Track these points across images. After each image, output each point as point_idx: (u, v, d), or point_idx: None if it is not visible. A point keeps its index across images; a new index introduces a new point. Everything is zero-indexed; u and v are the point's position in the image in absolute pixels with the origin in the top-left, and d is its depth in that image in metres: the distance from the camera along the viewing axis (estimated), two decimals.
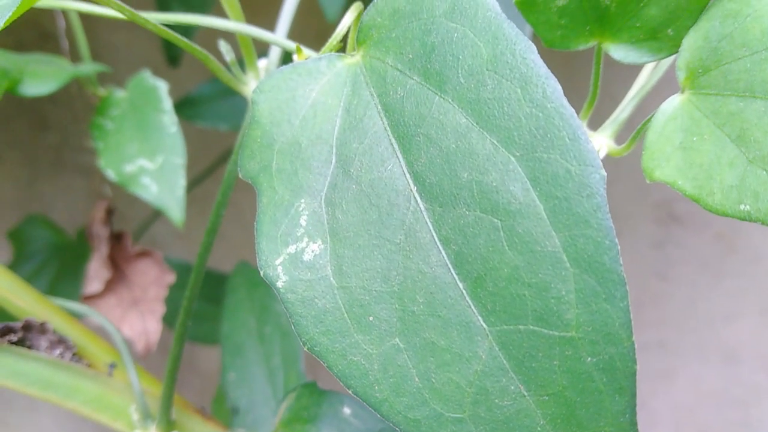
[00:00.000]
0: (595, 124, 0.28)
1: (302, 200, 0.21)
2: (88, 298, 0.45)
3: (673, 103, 0.22)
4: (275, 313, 0.45)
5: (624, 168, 0.97)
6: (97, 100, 0.43)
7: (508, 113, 0.19)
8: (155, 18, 0.28)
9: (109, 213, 0.46)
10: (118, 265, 0.47)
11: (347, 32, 0.24)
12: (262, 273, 0.21)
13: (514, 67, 0.19)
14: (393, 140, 0.21)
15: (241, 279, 0.48)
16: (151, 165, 0.38)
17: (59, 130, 0.97)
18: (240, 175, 0.23)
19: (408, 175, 0.20)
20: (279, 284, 0.20)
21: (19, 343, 0.30)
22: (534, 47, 0.19)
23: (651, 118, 0.23)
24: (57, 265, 0.71)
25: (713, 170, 0.20)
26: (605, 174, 0.17)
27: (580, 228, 0.17)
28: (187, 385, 0.90)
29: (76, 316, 0.36)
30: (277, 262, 0.20)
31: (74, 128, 0.98)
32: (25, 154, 1.03)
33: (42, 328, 0.31)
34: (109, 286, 0.46)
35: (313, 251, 0.20)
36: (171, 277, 0.46)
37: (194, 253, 0.47)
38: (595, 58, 0.24)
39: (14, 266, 0.70)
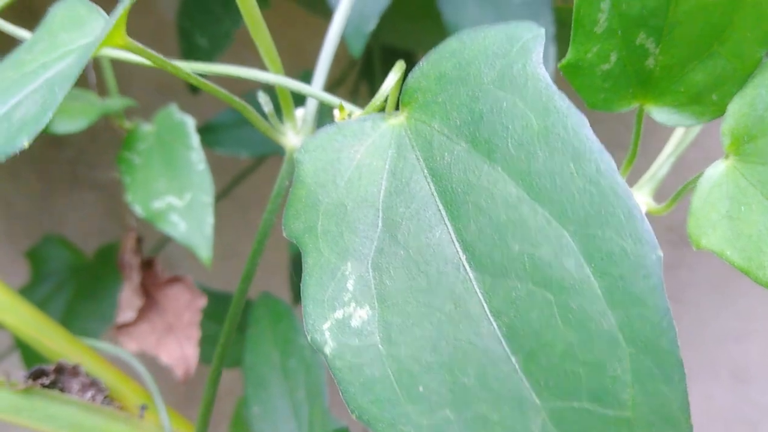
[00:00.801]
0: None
1: (349, 264, 0.21)
2: (122, 327, 0.46)
3: (718, 169, 0.22)
4: (299, 346, 0.45)
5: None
6: (124, 132, 0.43)
7: (560, 187, 0.19)
8: (190, 67, 0.28)
9: (139, 242, 0.47)
10: (149, 292, 0.47)
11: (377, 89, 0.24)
12: (309, 338, 0.21)
13: (567, 141, 0.19)
14: (441, 206, 0.21)
15: (264, 310, 0.48)
16: (180, 202, 0.38)
17: (74, 146, 0.98)
18: (284, 234, 0.23)
19: (457, 243, 0.20)
20: (326, 350, 0.20)
21: (52, 385, 0.30)
22: (586, 121, 0.19)
23: (693, 181, 0.23)
24: (74, 286, 0.71)
25: (762, 242, 0.20)
26: (662, 255, 0.17)
27: (637, 308, 0.17)
28: (197, 403, 0.90)
29: (109, 344, 0.36)
30: (325, 327, 0.21)
31: (89, 145, 0.98)
32: (41, 169, 1.04)
33: (74, 371, 0.31)
34: (142, 314, 0.46)
35: (360, 317, 0.20)
36: (203, 301, 0.47)
37: (206, 272, 0.47)
38: (636, 119, 0.24)
39: (31, 286, 0.70)
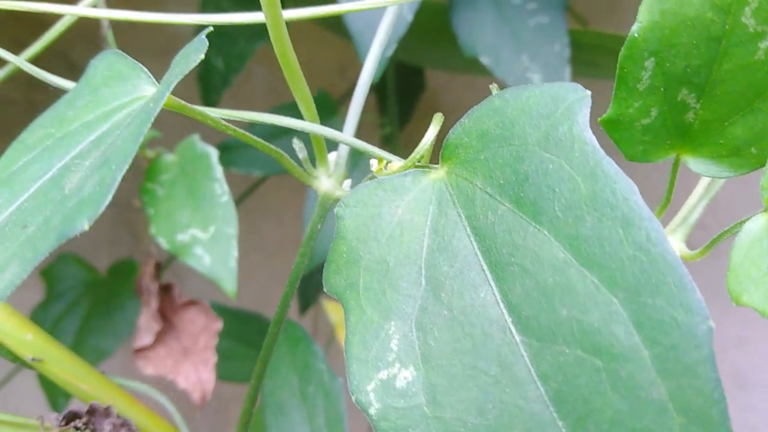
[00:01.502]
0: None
1: (392, 323, 0.21)
2: (139, 351, 0.46)
3: (758, 223, 0.22)
4: (318, 372, 0.45)
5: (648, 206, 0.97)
6: (146, 162, 0.43)
7: (609, 253, 0.19)
8: (219, 113, 0.28)
9: (158, 268, 0.47)
10: (166, 316, 0.47)
11: (379, 131, 0.24)
12: (353, 398, 0.21)
13: (615, 207, 0.19)
14: (485, 267, 0.21)
15: (281, 335, 0.48)
16: (204, 235, 0.38)
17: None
18: (325, 289, 0.23)
19: (502, 305, 0.20)
20: (371, 411, 0.20)
21: (85, 427, 0.30)
22: (635, 187, 0.19)
23: (730, 230, 0.23)
24: (88, 303, 0.71)
25: None
26: (713, 325, 0.18)
27: (688, 378, 0.17)
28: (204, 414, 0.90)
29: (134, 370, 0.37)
30: (369, 387, 0.21)
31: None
32: None
33: (106, 412, 0.31)
34: (159, 337, 0.46)
35: (405, 378, 0.21)
36: (218, 325, 0.47)
37: (214, 287, 0.47)
38: (672, 168, 0.24)
39: (46, 304, 0.70)
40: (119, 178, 0.17)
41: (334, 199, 0.28)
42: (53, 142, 0.23)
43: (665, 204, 0.25)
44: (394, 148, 0.67)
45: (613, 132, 0.23)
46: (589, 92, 0.20)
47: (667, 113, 0.22)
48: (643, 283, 0.18)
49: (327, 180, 0.28)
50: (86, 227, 0.17)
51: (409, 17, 0.46)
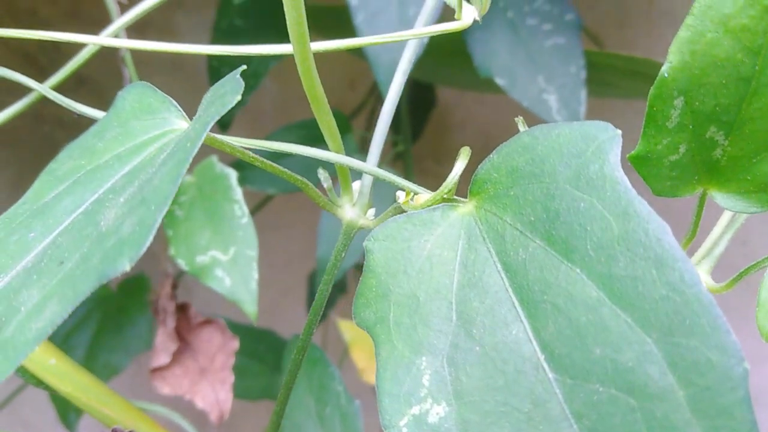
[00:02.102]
0: None
1: (423, 358, 0.21)
2: (156, 371, 0.46)
3: None
4: (335, 393, 0.45)
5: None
6: None
7: (642, 293, 0.19)
8: (246, 143, 0.28)
9: (174, 287, 0.47)
10: (182, 335, 0.47)
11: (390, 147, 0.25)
12: None
13: (648, 247, 0.19)
14: (516, 303, 0.21)
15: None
16: (224, 257, 0.38)
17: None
18: (354, 322, 0.23)
19: (534, 342, 0.20)
20: None
21: None
22: (668, 228, 0.19)
23: (758, 264, 0.23)
24: (99, 319, 0.71)
25: None
26: (749, 367, 0.18)
27: (724, 419, 0.18)
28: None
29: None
30: (402, 423, 0.21)
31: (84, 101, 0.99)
32: None
33: None
34: (176, 357, 0.46)
35: (437, 414, 0.21)
36: (235, 344, 0.47)
37: (225, 302, 0.47)
38: (698, 202, 0.24)
39: None
40: (159, 219, 0.17)
41: (358, 227, 0.29)
42: (84, 175, 0.23)
43: (691, 237, 0.25)
44: (407, 165, 0.68)
45: (642, 168, 0.23)
46: (619, 131, 0.21)
47: (695, 150, 0.22)
48: (677, 324, 0.18)
49: (351, 209, 0.29)
50: (127, 268, 0.17)
51: (425, 39, 0.46)
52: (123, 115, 0.25)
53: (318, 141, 0.61)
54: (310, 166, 0.62)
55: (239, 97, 0.19)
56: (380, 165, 0.60)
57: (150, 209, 0.18)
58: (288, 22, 0.23)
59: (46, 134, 0.97)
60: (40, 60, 0.95)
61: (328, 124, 0.26)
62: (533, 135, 0.22)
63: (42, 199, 0.23)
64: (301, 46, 0.23)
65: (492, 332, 0.21)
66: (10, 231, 0.23)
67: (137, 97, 0.25)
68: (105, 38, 0.28)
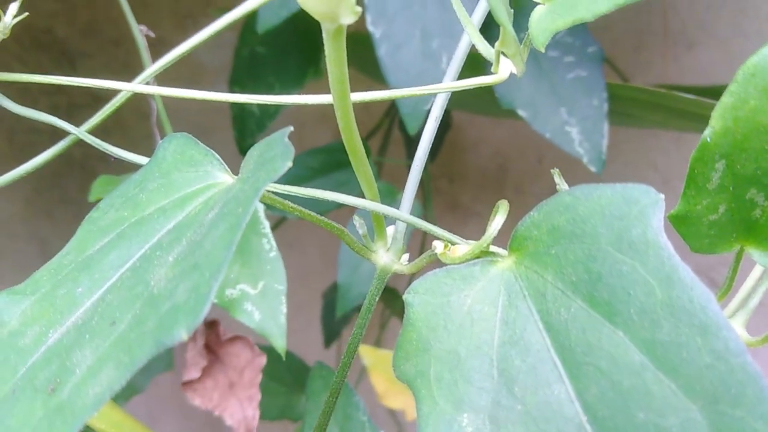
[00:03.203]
0: None
1: (465, 415, 0.22)
2: (187, 384, 0.47)
3: None
4: (359, 423, 0.45)
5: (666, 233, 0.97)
6: None
7: (687, 360, 0.19)
8: (287, 189, 0.29)
9: None
10: (212, 350, 0.48)
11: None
12: None
13: (693, 315, 0.19)
14: (558, 363, 0.21)
15: (320, 383, 0.48)
16: (253, 290, 0.39)
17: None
18: (394, 375, 0.23)
19: (577, 403, 0.21)
20: None
21: None
22: (712, 295, 0.19)
23: None
24: None
25: None
26: None
27: None
28: None
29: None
30: None
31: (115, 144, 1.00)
32: (76, 210, 1.05)
33: None
34: (206, 371, 0.47)
35: None
36: (262, 360, 0.48)
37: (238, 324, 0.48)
38: (735, 258, 0.25)
39: None
40: (215, 288, 0.18)
41: (392, 272, 0.29)
42: (128, 228, 0.24)
43: (726, 291, 0.26)
44: (426, 190, 0.68)
45: (681, 226, 0.23)
46: (662, 196, 0.21)
47: (735, 210, 0.23)
48: (722, 393, 0.19)
49: (385, 254, 0.29)
50: (184, 337, 0.17)
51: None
52: (164, 166, 0.25)
53: (340, 166, 0.62)
54: (330, 189, 0.62)
55: (290, 164, 0.19)
56: (400, 192, 0.60)
57: (204, 276, 0.18)
58: (330, 79, 0.23)
59: (63, 151, 0.98)
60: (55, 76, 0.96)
61: (365, 174, 0.27)
62: (574, 195, 0.22)
63: (86, 252, 0.24)
64: (342, 102, 0.23)
65: (534, 391, 0.21)
66: (56, 283, 0.23)
67: (179, 148, 0.25)
68: (138, 85, 0.29)
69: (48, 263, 0.25)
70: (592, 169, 0.48)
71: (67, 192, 1.02)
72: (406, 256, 0.29)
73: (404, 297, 0.24)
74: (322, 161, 0.60)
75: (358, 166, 0.27)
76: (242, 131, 0.60)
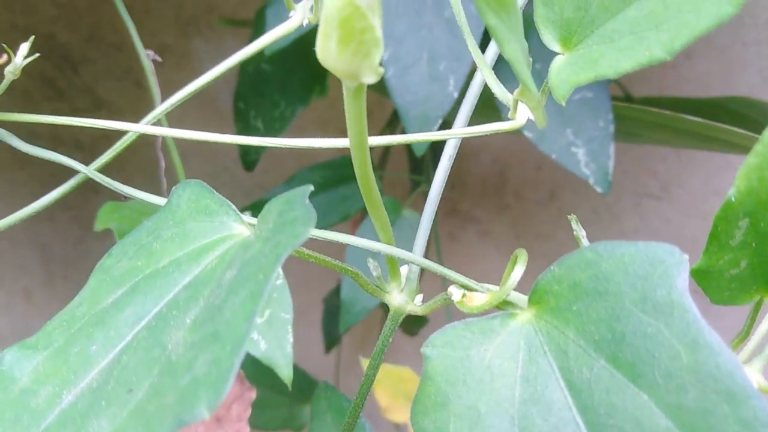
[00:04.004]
0: None
1: None
2: None
3: None
4: None
5: (665, 239, 0.97)
6: None
7: (714, 427, 0.19)
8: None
9: None
10: None
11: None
12: None
13: (720, 381, 0.19)
14: (581, 424, 0.21)
15: (324, 404, 0.48)
16: (259, 319, 0.38)
17: (109, 193, 0.98)
18: (412, 430, 0.23)
19: None
20: None
21: None
22: (738, 361, 0.19)
23: None
24: None
25: None
26: None
27: None
28: None
29: None
30: None
31: (123, 176, 0.99)
32: (76, 214, 1.04)
33: None
34: None
35: None
36: (252, 394, 0.47)
37: None
38: (754, 307, 0.24)
39: None
40: (237, 364, 0.17)
41: (406, 313, 0.29)
42: (143, 280, 0.23)
43: (743, 338, 0.25)
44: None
45: (702, 280, 0.23)
46: (686, 256, 0.21)
47: (757, 264, 0.22)
48: None
49: (399, 295, 0.29)
50: (206, 416, 0.17)
51: (455, 94, 0.46)
52: (179, 214, 0.25)
53: (344, 181, 0.61)
54: (334, 203, 0.62)
55: (312, 228, 0.19)
56: (404, 206, 0.59)
57: (225, 349, 0.18)
58: (349, 132, 0.23)
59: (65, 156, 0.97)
60: (59, 83, 0.95)
61: (380, 220, 0.26)
62: (596, 251, 0.22)
63: (100, 304, 0.23)
64: (360, 155, 0.23)
65: None
66: (69, 339, 0.23)
67: (193, 196, 0.25)
68: (145, 126, 0.28)
69: (60, 313, 0.24)
70: (599, 190, 0.48)
71: (68, 197, 1.01)
72: (419, 297, 0.29)
73: (422, 350, 0.23)
74: (327, 176, 0.60)
75: (374, 212, 0.26)
76: (246, 147, 0.59)
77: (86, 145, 0.96)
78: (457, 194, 0.99)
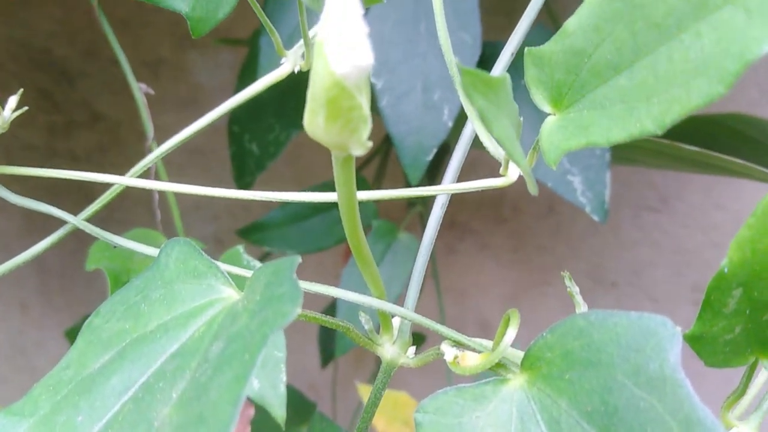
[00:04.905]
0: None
1: None
2: None
3: None
4: None
5: (664, 252, 0.97)
6: None
7: None
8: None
9: None
10: None
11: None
12: None
13: None
14: None
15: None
16: None
17: (107, 206, 0.98)
18: None
19: None
20: None
21: None
22: None
23: None
24: None
25: None
26: None
27: None
28: None
29: None
30: None
31: (119, 203, 0.99)
32: (71, 227, 1.04)
33: None
34: None
35: None
36: (251, 411, 0.47)
37: None
38: (749, 368, 0.24)
39: None
40: None
41: (398, 366, 0.28)
42: (130, 345, 0.23)
43: (739, 396, 0.25)
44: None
45: (696, 345, 0.23)
46: (679, 329, 0.20)
47: (751, 330, 0.22)
48: None
49: (391, 347, 0.28)
50: None
51: (450, 124, 0.46)
52: (167, 275, 0.24)
53: (337, 204, 0.61)
54: (330, 226, 0.62)
55: (298, 310, 0.19)
56: (400, 229, 0.59)
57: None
58: (339, 198, 0.22)
59: (60, 168, 0.97)
60: (56, 96, 0.95)
61: (371, 275, 0.26)
62: (588, 320, 0.22)
63: (87, 368, 0.23)
64: (350, 218, 0.23)
65: None
66: (56, 406, 0.22)
67: (182, 256, 0.25)
68: (135, 180, 0.28)
69: (48, 376, 0.24)
70: (595, 218, 0.48)
71: (64, 209, 1.01)
72: (412, 350, 0.29)
73: (414, 416, 0.23)
74: (310, 203, 0.59)
75: (364, 267, 0.26)
76: (241, 170, 0.59)
77: (82, 158, 0.96)
78: (455, 206, 0.99)
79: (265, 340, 0.19)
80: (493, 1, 0.79)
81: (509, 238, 1.00)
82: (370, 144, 0.19)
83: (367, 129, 0.19)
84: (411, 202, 0.66)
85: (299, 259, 0.21)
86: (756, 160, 0.50)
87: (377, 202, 0.67)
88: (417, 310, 0.28)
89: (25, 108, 0.27)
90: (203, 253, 0.25)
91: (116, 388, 0.22)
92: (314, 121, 0.19)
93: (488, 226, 1.00)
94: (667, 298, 0.99)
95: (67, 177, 0.28)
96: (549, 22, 0.62)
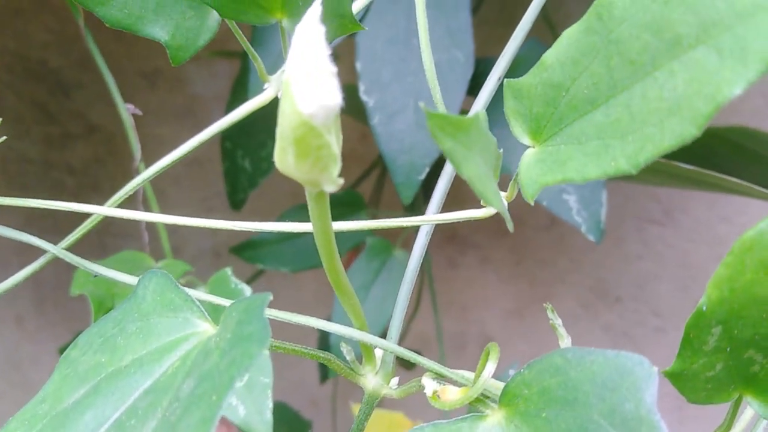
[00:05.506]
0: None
1: None
2: None
3: None
4: None
5: (669, 266, 0.96)
6: None
7: None
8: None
9: None
10: None
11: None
12: None
13: None
14: None
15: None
16: (238, 383, 0.38)
17: (102, 219, 0.98)
18: None
19: None
20: None
21: None
22: None
23: None
24: None
25: None
26: None
27: None
28: None
29: None
30: None
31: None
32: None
33: None
34: None
35: None
36: None
37: None
38: (733, 405, 0.24)
39: None
40: None
41: (381, 396, 0.28)
42: (105, 380, 0.23)
43: (725, 431, 0.25)
44: (426, 270, 0.67)
45: (677, 382, 0.22)
46: (655, 369, 0.20)
47: (733, 367, 0.22)
48: None
49: (373, 378, 0.28)
50: None
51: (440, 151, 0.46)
52: (144, 307, 0.24)
53: (333, 219, 0.60)
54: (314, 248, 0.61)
55: (266, 352, 0.19)
56: (396, 245, 0.59)
57: None
58: (315, 231, 0.22)
59: (56, 180, 0.97)
60: (51, 107, 0.95)
61: (352, 307, 0.26)
62: (565, 357, 0.21)
63: (62, 403, 0.23)
64: (327, 251, 0.23)
65: None
66: None
67: (158, 288, 0.24)
68: (114, 210, 0.28)
69: (23, 410, 0.24)
70: (591, 238, 0.47)
71: (59, 222, 1.01)
72: (395, 380, 0.28)
73: None
74: (306, 219, 0.59)
75: (344, 299, 0.26)
76: (234, 186, 0.59)
77: (78, 170, 0.96)
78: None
79: (233, 382, 0.18)
80: (494, 13, 0.78)
81: (511, 251, 0.99)
82: (341, 181, 0.19)
83: (336, 167, 0.19)
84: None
85: (270, 297, 0.21)
86: (757, 175, 0.49)
87: (375, 217, 0.66)
88: (415, 325, 0.28)
89: (4, 138, 0.27)
90: (179, 286, 0.24)
91: (89, 425, 0.22)
92: (285, 159, 0.19)
93: (490, 240, 1.00)
94: (671, 312, 0.98)
95: (46, 207, 0.28)
96: (547, 31, 0.61)
